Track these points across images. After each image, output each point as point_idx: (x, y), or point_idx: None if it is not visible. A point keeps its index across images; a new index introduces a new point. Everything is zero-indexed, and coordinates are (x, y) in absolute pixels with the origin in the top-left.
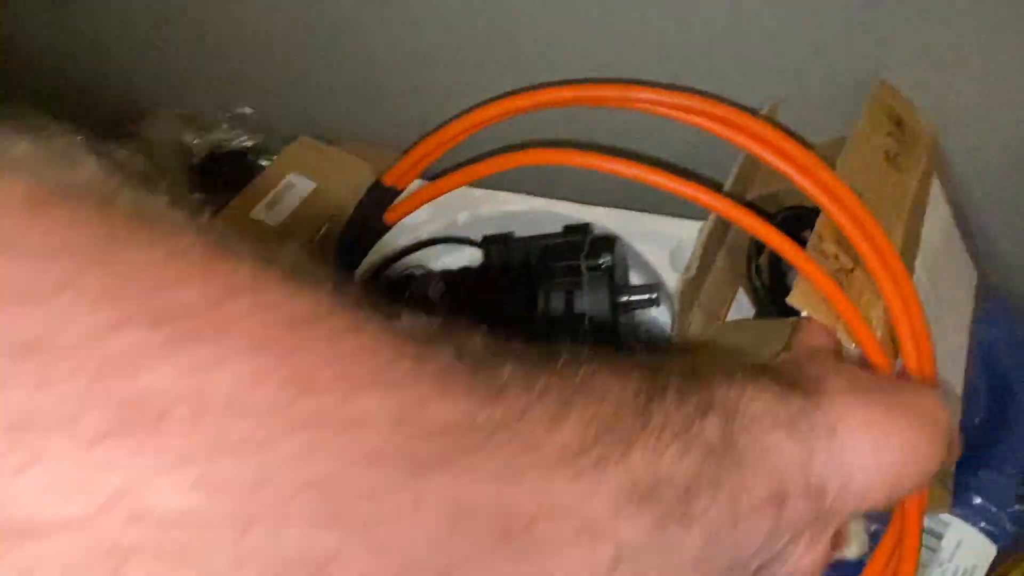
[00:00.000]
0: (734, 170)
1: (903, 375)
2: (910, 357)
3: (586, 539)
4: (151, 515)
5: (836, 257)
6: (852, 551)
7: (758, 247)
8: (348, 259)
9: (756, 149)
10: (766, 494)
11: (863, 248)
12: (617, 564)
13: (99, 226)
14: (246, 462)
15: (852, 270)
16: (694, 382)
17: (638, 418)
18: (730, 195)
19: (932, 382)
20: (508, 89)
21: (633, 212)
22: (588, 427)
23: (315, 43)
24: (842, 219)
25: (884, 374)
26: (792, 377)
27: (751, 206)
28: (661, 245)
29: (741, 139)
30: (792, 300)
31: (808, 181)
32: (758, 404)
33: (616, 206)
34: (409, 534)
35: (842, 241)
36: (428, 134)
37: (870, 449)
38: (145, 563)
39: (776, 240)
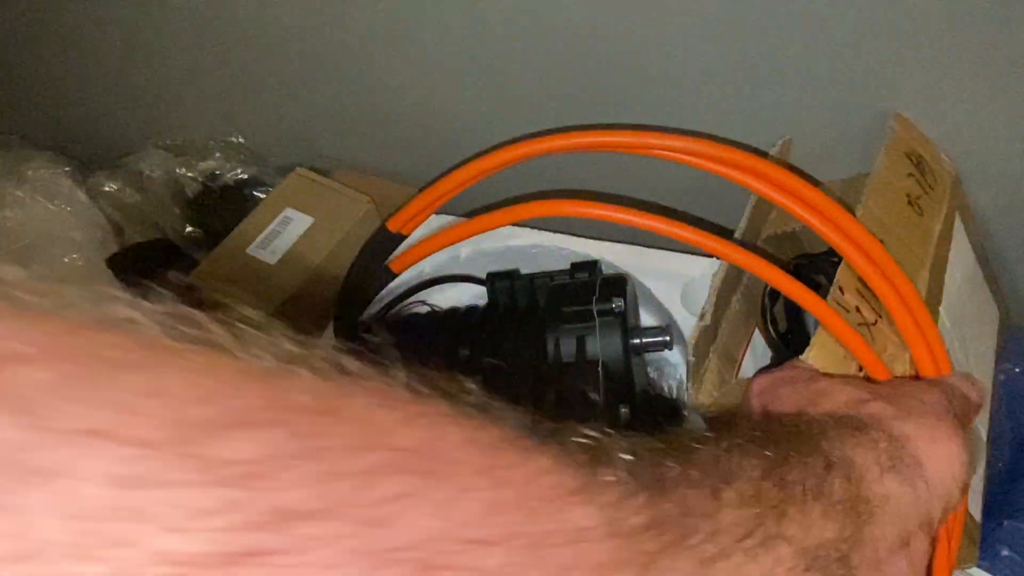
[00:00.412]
0: (747, 212)
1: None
2: None
3: None
4: None
5: (857, 310)
6: None
7: (772, 295)
8: (351, 306)
9: (777, 197)
10: (896, 540)
11: (889, 299)
12: None
13: (320, 394)
14: None
15: (875, 323)
16: (804, 442)
17: (778, 490)
18: (743, 240)
19: None
20: (515, 131)
21: (642, 248)
22: (743, 509)
23: (308, 73)
24: (866, 269)
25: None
26: (844, 408)
27: (763, 249)
28: (672, 283)
29: (759, 185)
30: (810, 359)
31: (830, 229)
32: (861, 454)
33: (624, 241)
34: None
35: (863, 293)
36: (434, 180)
37: (946, 466)
38: None
39: (797, 291)
